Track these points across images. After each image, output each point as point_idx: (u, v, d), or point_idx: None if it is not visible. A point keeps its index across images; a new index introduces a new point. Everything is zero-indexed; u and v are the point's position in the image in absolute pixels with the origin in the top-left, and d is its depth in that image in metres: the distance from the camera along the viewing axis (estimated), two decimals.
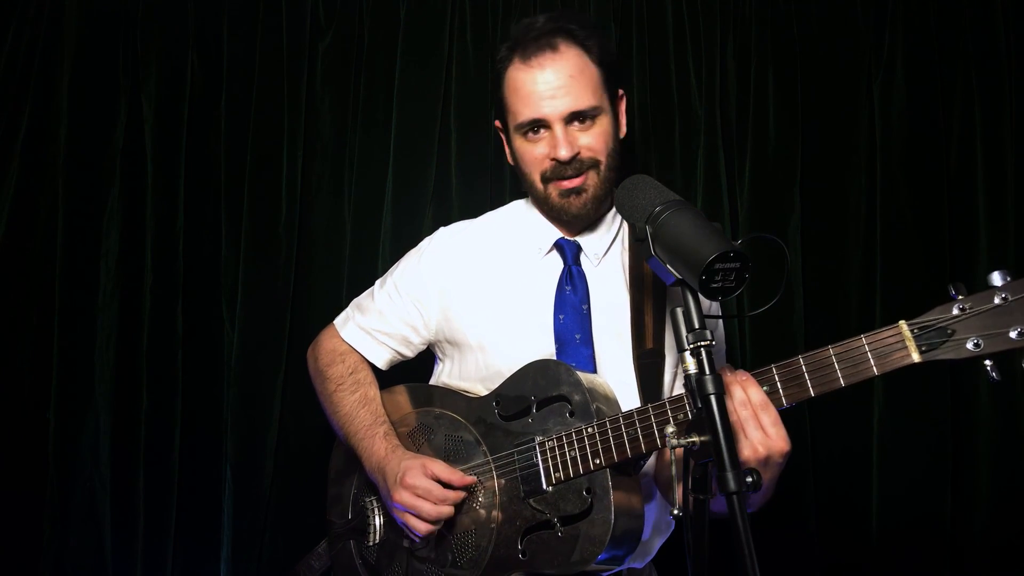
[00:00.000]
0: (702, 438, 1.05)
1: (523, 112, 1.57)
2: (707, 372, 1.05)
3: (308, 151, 2.23)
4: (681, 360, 1.07)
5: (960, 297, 1.15)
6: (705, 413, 1.04)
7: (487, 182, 2.20)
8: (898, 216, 2.16)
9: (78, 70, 2.19)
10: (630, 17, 2.23)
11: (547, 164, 1.58)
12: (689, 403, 1.32)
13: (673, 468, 1.10)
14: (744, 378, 1.24)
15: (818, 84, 2.21)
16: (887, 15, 2.19)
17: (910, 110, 2.18)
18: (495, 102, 1.68)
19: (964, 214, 2.18)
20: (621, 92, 1.66)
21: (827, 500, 2.14)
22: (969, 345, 1.13)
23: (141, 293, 2.16)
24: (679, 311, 1.10)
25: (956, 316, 1.14)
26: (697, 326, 1.07)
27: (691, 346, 1.07)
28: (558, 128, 1.55)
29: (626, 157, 1.65)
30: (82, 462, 2.12)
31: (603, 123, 1.58)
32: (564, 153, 1.54)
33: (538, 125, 1.57)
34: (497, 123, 1.71)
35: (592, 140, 1.57)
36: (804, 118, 2.20)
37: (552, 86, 1.54)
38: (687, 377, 1.07)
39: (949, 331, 1.15)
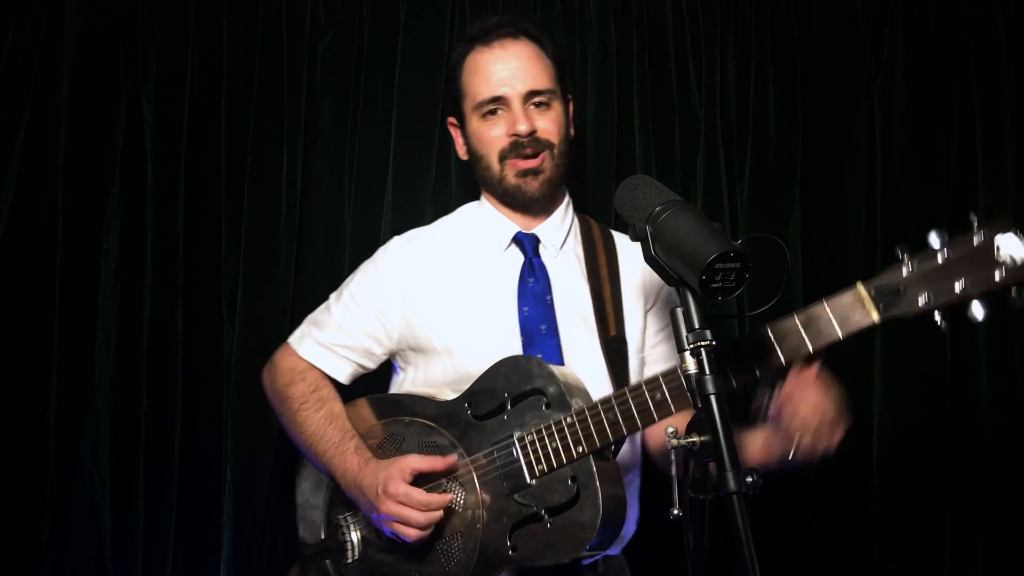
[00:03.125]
0: (702, 438, 1.05)
1: (483, 91, 1.64)
2: (707, 372, 1.05)
3: (308, 151, 2.22)
4: (681, 360, 1.08)
5: (906, 257, 1.24)
6: (705, 413, 1.04)
7: None
8: (898, 216, 2.16)
9: (78, 70, 2.18)
10: (630, 17, 2.22)
11: (505, 141, 1.63)
12: (665, 382, 1.37)
13: (673, 468, 1.10)
14: (823, 386, 1.32)
15: (818, 84, 2.21)
16: (887, 15, 2.19)
17: (910, 110, 2.18)
18: (448, 98, 1.75)
19: (964, 214, 2.17)
20: (570, 97, 1.75)
21: (827, 500, 2.14)
22: (920, 301, 1.22)
23: (141, 293, 2.16)
24: (679, 311, 1.10)
25: (905, 276, 1.24)
26: (697, 326, 1.07)
27: (691, 346, 1.07)
28: (517, 105, 1.62)
29: (574, 158, 1.75)
30: (82, 462, 2.12)
31: (557, 109, 1.66)
32: (523, 128, 1.60)
33: (497, 104, 1.62)
34: (450, 119, 1.77)
35: (548, 123, 1.64)
36: (804, 118, 2.20)
37: (512, 66, 1.63)
38: (687, 377, 1.07)
39: (900, 289, 1.24)
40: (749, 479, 0.99)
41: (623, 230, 1.57)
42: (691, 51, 2.21)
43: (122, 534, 2.11)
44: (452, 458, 1.52)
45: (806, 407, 1.31)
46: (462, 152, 1.77)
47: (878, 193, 2.17)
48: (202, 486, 2.16)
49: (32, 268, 2.15)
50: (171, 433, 2.14)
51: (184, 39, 2.20)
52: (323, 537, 1.69)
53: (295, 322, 2.17)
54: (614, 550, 1.61)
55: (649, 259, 1.16)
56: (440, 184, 2.20)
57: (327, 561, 1.66)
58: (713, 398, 1.03)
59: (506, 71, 1.63)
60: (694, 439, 1.07)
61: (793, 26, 2.21)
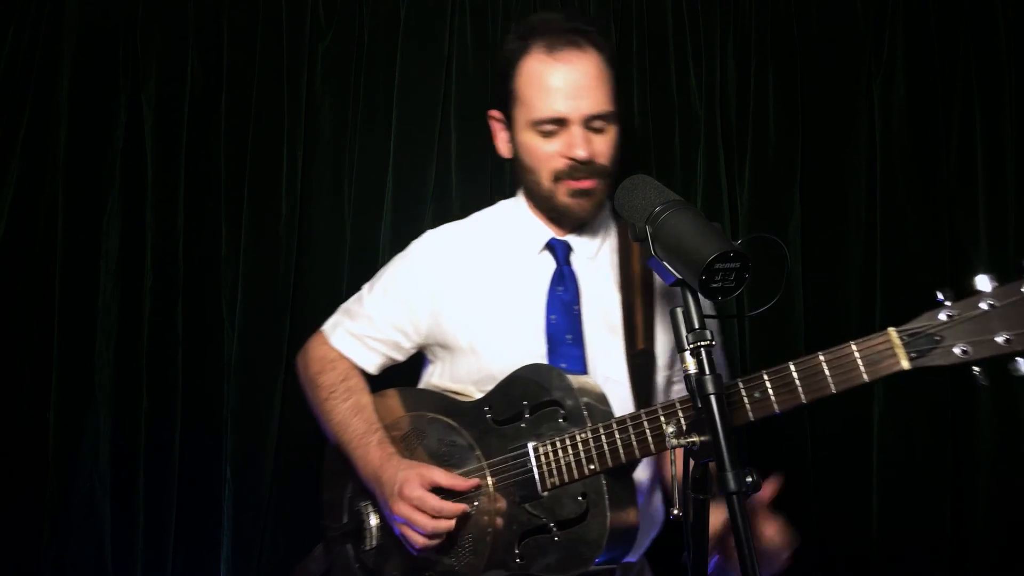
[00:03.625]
0: (702, 438, 1.05)
1: (542, 108, 1.54)
2: (707, 372, 1.05)
3: (308, 151, 2.22)
4: (681, 360, 1.07)
5: (948, 303, 1.15)
6: (705, 413, 1.04)
7: (487, 182, 2.20)
8: (898, 216, 2.16)
9: (78, 70, 2.18)
10: (630, 17, 2.22)
11: (562, 163, 1.55)
12: (681, 409, 1.32)
13: (672, 468, 1.10)
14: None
15: (818, 84, 2.21)
16: (887, 15, 2.19)
17: (910, 110, 2.18)
18: (499, 91, 1.64)
19: (964, 214, 2.18)
20: (622, 101, 1.67)
21: (827, 501, 2.14)
22: (957, 351, 1.13)
23: (141, 293, 2.16)
24: (679, 311, 1.10)
25: (943, 323, 1.15)
26: (697, 326, 1.07)
27: (691, 346, 1.07)
28: (576, 129, 1.53)
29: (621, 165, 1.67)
30: (82, 462, 2.12)
31: (613, 132, 1.58)
32: (582, 154, 1.52)
33: (555, 124, 1.54)
34: (496, 113, 1.68)
35: (605, 148, 1.57)
36: (804, 118, 2.20)
37: (576, 85, 1.52)
38: (687, 377, 1.07)
39: (937, 338, 1.15)
40: (749, 479, 0.99)
41: None
42: (691, 51, 2.21)
43: (122, 534, 2.11)
44: (474, 481, 1.51)
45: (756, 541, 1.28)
46: (504, 150, 1.69)
47: (878, 193, 2.17)
48: (202, 486, 2.16)
49: (32, 268, 2.16)
50: (171, 433, 2.14)
51: (184, 39, 2.20)
52: (345, 521, 1.70)
53: (295, 322, 2.18)
54: (632, 557, 1.59)
55: (649, 259, 1.16)
56: (440, 184, 2.20)
57: (348, 545, 1.68)
58: (713, 398, 1.03)
59: (569, 91, 1.52)
60: (694, 439, 1.07)
61: (793, 26, 2.21)
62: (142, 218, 2.18)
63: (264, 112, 2.20)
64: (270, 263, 2.18)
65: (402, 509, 1.48)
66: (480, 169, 2.20)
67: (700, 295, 1.09)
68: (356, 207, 2.22)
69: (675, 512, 1.10)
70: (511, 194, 2.16)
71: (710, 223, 1.13)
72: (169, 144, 2.19)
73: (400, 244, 2.14)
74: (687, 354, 1.07)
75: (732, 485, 0.98)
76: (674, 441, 1.08)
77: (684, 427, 1.14)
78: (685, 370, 1.07)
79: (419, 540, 1.48)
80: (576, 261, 1.65)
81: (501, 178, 2.21)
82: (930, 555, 2.11)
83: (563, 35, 1.55)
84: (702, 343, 1.06)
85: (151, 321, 2.15)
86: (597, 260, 1.67)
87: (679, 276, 1.11)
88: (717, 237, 1.09)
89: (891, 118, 2.18)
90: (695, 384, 1.05)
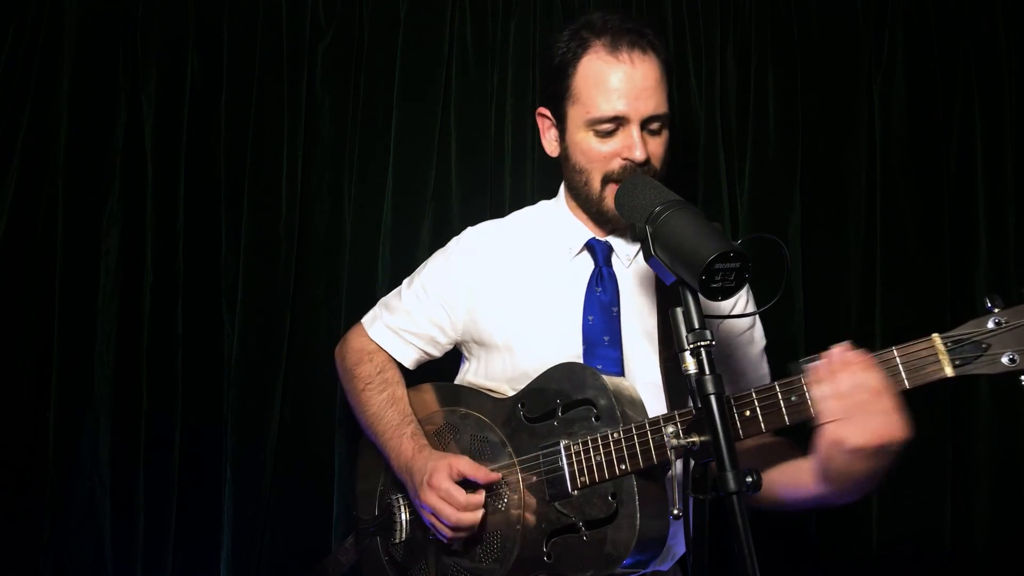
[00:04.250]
0: (702, 438, 1.05)
1: (603, 107, 1.51)
2: (707, 372, 1.05)
3: (308, 151, 2.22)
4: (681, 360, 1.07)
5: (996, 310, 1.12)
6: (705, 413, 1.04)
7: (487, 182, 2.20)
8: (898, 216, 2.16)
9: (78, 70, 2.18)
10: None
11: (617, 164, 1.54)
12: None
13: (672, 468, 1.10)
14: (864, 359, 1.17)
15: (818, 84, 2.21)
16: (887, 15, 2.19)
17: (910, 110, 2.18)
18: (550, 89, 1.61)
19: (964, 214, 2.18)
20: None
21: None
22: (1004, 360, 1.11)
23: (141, 293, 2.16)
24: (679, 311, 1.09)
25: (991, 330, 1.12)
26: (697, 326, 1.07)
27: (691, 346, 1.07)
28: (635, 129, 1.51)
29: None
30: (82, 462, 2.12)
31: (666, 135, 1.57)
32: (639, 155, 1.50)
33: (616, 122, 1.52)
34: (544, 110, 1.66)
35: (659, 149, 1.55)
36: (804, 118, 2.20)
37: (639, 86, 1.50)
38: (687, 377, 1.07)
39: (984, 345, 1.12)
40: (749, 479, 0.99)
41: None
42: (691, 51, 2.21)
43: (122, 534, 2.11)
44: (496, 475, 1.51)
45: (841, 384, 1.16)
46: (552, 149, 1.66)
47: (878, 193, 2.17)
48: (202, 486, 2.16)
49: (32, 268, 2.16)
50: (171, 433, 2.14)
51: (184, 39, 2.21)
52: (376, 514, 1.71)
53: (295, 322, 2.18)
54: (664, 566, 1.58)
55: (649, 259, 1.16)
56: (440, 184, 2.20)
57: (378, 538, 1.69)
58: (713, 398, 1.03)
59: (632, 91, 1.50)
60: (694, 439, 1.07)
61: (793, 26, 2.21)
62: (142, 218, 2.18)
63: (264, 112, 2.20)
64: (270, 263, 2.18)
65: (430, 498, 1.49)
66: (480, 169, 2.20)
67: (700, 295, 1.09)
68: (356, 207, 2.22)
69: (675, 512, 1.10)
70: (511, 194, 2.18)
71: (710, 223, 1.13)
72: (169, 144, 2.19)
73: (400, 245, 2.16)
74: (687, 354, 1.07)
75: (732, 485, 0.98)
76: (674, 441, 1.08)
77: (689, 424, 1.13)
78: (686, 370, 1.07)
79: (446, 531, 1.50)
80: (616, 263, 1.64)
81: (501, 178, 2.21)
82: (930, 556, 2.11)
83: (625, 35, 1.53)
84: (702, 343, 1.06)
85: (151, 321, 2.15)
86: (637, 261, 1.65)
87: (679, 276, 1.11)
88: (717, 237, 1.09)
89: (891, 118, 2.19)
90: (695, 384, 1.05)
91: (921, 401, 2.08)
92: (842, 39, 2.21)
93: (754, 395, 1.27)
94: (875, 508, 2.13)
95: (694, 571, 1.11)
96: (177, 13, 2.21)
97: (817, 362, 1.19)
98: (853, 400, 1.14)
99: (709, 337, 1.06)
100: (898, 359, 1.17)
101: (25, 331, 2.14)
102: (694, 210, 1.17)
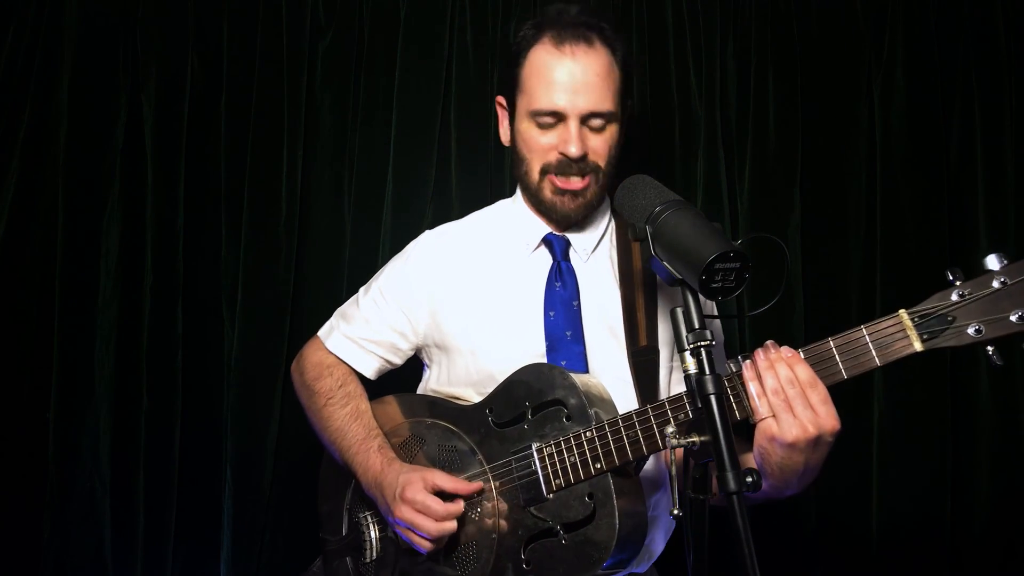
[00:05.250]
0: (702, 438, 1.05)
1: (542, 99, 1.52)
2: (707, 372, 1.04)
3: (308, 151, 2.23)
4: (681, 360, 1.07)
5: (959, 283, 1.13)
6: (705, 413, 1.04)
7: (487, 181, 2.20)
8: (898, 216, 2.16)
9: (78, 70, 2.18)
10: (630, 17, 2.23)
11: (553, 157, 1.54)
12: (688, 402, 1.29)
13: (672, 468, 1.10)
14: (790, 355, 1.19)
15: (818, 84, 2.21)
16: (887, 15, 2.20)
17: (910, 110, 2.18)
18: (505, 77, 1.63)
19: (964, 214, 2.18)
20: (630, 102, 1.64)
21: (827, 501, 2.14)
22: (970, 331, 1.11)
23: (141, 293, 2.16)
24: (679, 311, 1.09)
25: (956, 302, 1.12)
26: (697, 326, 1.07)
27: (691, 346, 1.06)
28: (573, 124, 1.51)
29: (621, 165, 1.63)
30: (82, 462, 2.12)
31: (612, 130, 1.56)
32: (574, 151, 1.50)
33: (552, 117, 1.53)
34: (500, 99, 1.67)
35: (601, 145, 1.54)
36: (804, 118, 2.20)
37: (578, 80, 1.50)
38: (687, 377, 1.06)
39: (949, 318, 1.12)
40: (749, 479, 0.99)
41: None
42: (691, 51, 2.21)
43: (122, 533, 2.11)
44: (477, 484, 1.48)
45: (769, 381, 1.17)
46: (505, 138, 1.67)
47: (878, 193, 2.17)
48: (202, 486, 2.16)
49: (32, 268, 2.16)
50: (171, 433, 2.14)
51: (184, 39, 2.21)
52: (344, 534, 1.67)
53: (295, 322, 2.18)
54: (641, 567, 1.58)
55: (649, 259, 1.16)
56: (440, 184, 2.20)
57: (347, 558, 1.65)
58: (713, 398, 1.03)
59: (571, 85, 1.49)
60: (694, 439, 1.06)
61: (793, 26, 2.21)
62: (142, 218, 2.18)
63: (264, 112, 2.20)
64: (270, 263, 2.18)
65: (404, 513, 1.45)
66: (480, 168, 2.20)
67: (700, 295, 1.09)
68: (356, 207, 2.22)
69: (675, 512, 1.10)
70: (511, 193, 2.18)
71: (710, 223, 1.13)
72: (169, 144, 2.19)
73: (400, 244, 2.15)
74: (687, 354, 1.06)
75: (732, 485, 0.98)
76: (674, 441, 1.08)
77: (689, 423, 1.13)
78: (686, 370, 1.06)
79: (424, 544, 1.45)
80: (574, 257, 1.64)
81: (500, 178, 2.21)
82: (930, 555, 2.11)
83: (573, 28, 1.52)
84: (702, 343, 1.05)
85: (151, 321, 2.15)
86: (596, 256, 1.65)
87: (679, 276, 1.11)
88: (717, 237, 1.09)
89: (891, 118, 2.19)
90: (695, 384, 1.05)
91: (921, 396, 2.10)
92: (842, 39, 2.21)
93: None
94: (875, 507, 2.13)
95: (694, 571, 1.11)
96: (177, 13, 2.21)
97: (749, 360, 1.21)
98: (783, 396, 1.16)
99: (709, 337, 1.06)
100: (867, 337, 1.17)
101: (25, 331, 2.14)
102: (694, 210, 1.16)
